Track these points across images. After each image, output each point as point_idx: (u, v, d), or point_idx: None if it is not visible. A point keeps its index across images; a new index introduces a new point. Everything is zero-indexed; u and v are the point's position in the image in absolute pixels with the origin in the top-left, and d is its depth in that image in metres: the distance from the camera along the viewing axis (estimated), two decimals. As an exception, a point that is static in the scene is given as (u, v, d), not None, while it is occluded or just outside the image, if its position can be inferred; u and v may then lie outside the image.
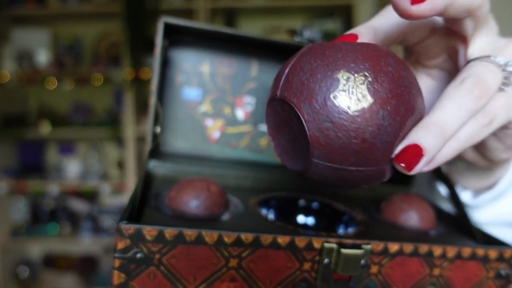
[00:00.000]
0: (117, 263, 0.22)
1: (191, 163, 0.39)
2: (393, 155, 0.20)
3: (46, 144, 2.12)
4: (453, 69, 0.27)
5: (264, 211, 0.35)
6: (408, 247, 0.26)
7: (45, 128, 1.90)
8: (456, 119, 0.20)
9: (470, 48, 0.24)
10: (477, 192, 0.35)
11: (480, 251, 0.27)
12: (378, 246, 0.25)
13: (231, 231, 0.23)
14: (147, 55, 1.77)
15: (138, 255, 0.22)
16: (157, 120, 0.36)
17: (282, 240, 0.24)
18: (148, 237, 0.22)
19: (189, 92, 0.42)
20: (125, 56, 1.76)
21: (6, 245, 1.92)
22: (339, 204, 0.35)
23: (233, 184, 0.38)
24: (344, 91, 0.19)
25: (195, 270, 0.23)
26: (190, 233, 0.22)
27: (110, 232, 1.94)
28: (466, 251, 0.27)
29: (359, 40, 0.23)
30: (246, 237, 0.23)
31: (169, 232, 0.22)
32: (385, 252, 0.25)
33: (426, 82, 0.29)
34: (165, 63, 0.41)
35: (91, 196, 2.03)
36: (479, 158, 0.30)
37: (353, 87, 0.19)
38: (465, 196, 0.35)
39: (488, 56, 0.23)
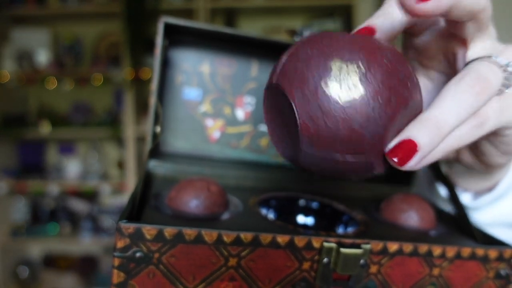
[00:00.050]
0: (116, 262, 0.22)
1: (191, 163, 0.39)
2: (387, 149, 0.20)
3: (46, 144, 2.12)
4: (451, 73, 0.27)
5: (264, 211, 0.35)
6: (408, 247, 0.26)
7: (45, 128, 1.90)
8: (454, 116, 0.20)
9: (470, 51, 0.24)
10: (477, 194, 0.35)
11: (480, 251, 0.27)
12: (378, 245, 0.25)
13: (231, 231, 0.23)
14: (147, 55, 1.77)
15: (138, 254, 0.22)
16: (157, 120, 0.36)
17: (282, 239, 0.24)
18: (148, 236, 0.22)
19: (189, 92, 0.42)
20: (125, 56, 1.77)
21: (6, 245, 1.92)
22: (339, 204, 0.35)
23: (233, 184, 0.38)
24: (336, 79, 0.19)
25: (195, 269, 0.23)
26: (189, 232, 0.23)
27: (110, 232, 1.94)
28: (466, 251, 0.27)
29: (377, 34, 0.22)
30: (246, 236, 0.23)
31: (169, 231, 0.22)
32: (384, 251, 0.25)
33: (424, 83, 0.29)
34: (165, 63, 0.41)
35: (91, 196, 2.03)
36: (476, 163, 0.30)
37: (345, 77, 0.19)
38: (465, 198, 0.35)
39: (489, 56, 0.23)
